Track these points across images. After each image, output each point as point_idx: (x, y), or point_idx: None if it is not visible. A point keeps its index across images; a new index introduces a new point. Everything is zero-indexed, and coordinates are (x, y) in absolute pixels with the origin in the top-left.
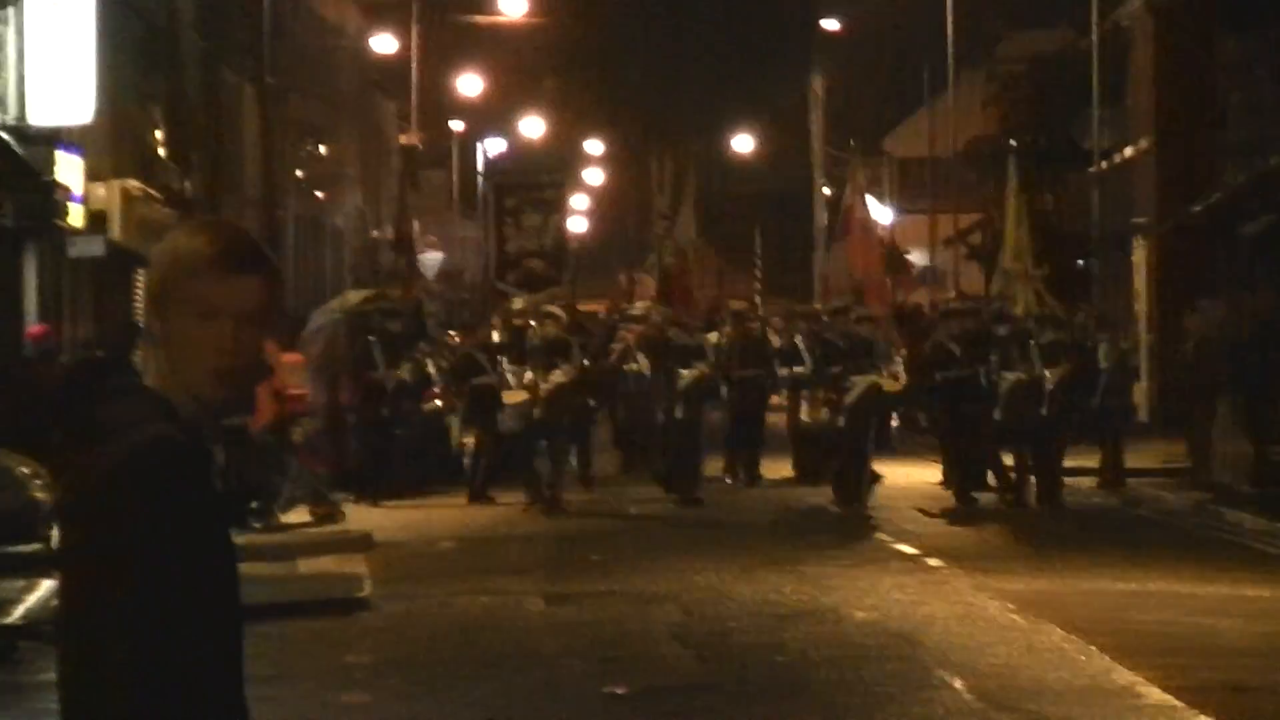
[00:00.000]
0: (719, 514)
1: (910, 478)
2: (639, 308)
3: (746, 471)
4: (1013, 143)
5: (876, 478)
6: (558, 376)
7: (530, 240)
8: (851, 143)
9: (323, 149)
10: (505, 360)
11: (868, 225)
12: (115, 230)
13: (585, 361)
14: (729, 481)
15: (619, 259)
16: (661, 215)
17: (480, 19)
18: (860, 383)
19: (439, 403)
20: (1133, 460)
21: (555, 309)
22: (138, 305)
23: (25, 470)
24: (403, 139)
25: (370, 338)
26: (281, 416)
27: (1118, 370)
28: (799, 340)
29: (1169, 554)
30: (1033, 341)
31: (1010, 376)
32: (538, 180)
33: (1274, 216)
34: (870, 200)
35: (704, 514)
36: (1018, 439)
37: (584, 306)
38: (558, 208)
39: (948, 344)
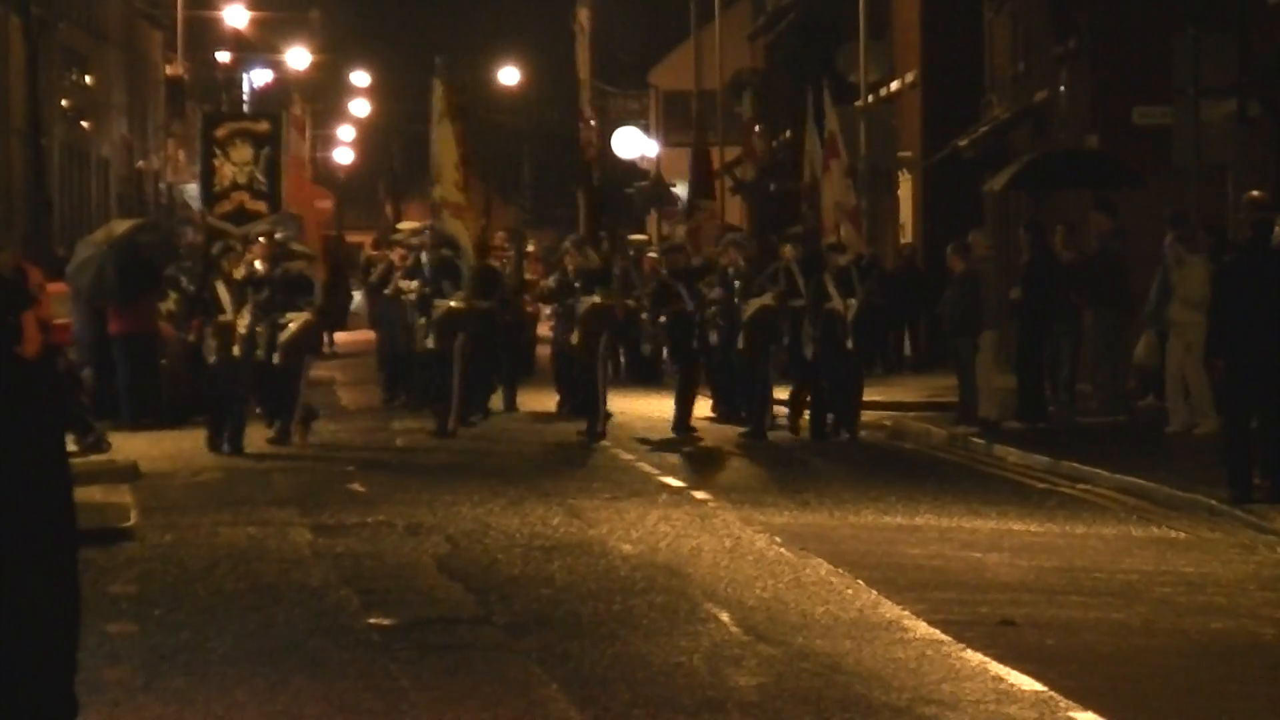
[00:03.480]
0: (484, 446)
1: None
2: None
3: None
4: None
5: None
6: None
7: (241, 173)
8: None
9: (89, 78)
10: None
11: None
12: None
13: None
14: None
15: (387, 190)
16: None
17: None
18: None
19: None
20: (899, 394)
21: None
22: None
23: None
24: (168, 70)
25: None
26: (47, 346)
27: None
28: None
29: (936, 488)
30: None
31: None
32: (251, 111)
33: (1016, 166)
34: (634, 132)
35: (469, 446)
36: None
37: (352, 238)
38: (269, 140)
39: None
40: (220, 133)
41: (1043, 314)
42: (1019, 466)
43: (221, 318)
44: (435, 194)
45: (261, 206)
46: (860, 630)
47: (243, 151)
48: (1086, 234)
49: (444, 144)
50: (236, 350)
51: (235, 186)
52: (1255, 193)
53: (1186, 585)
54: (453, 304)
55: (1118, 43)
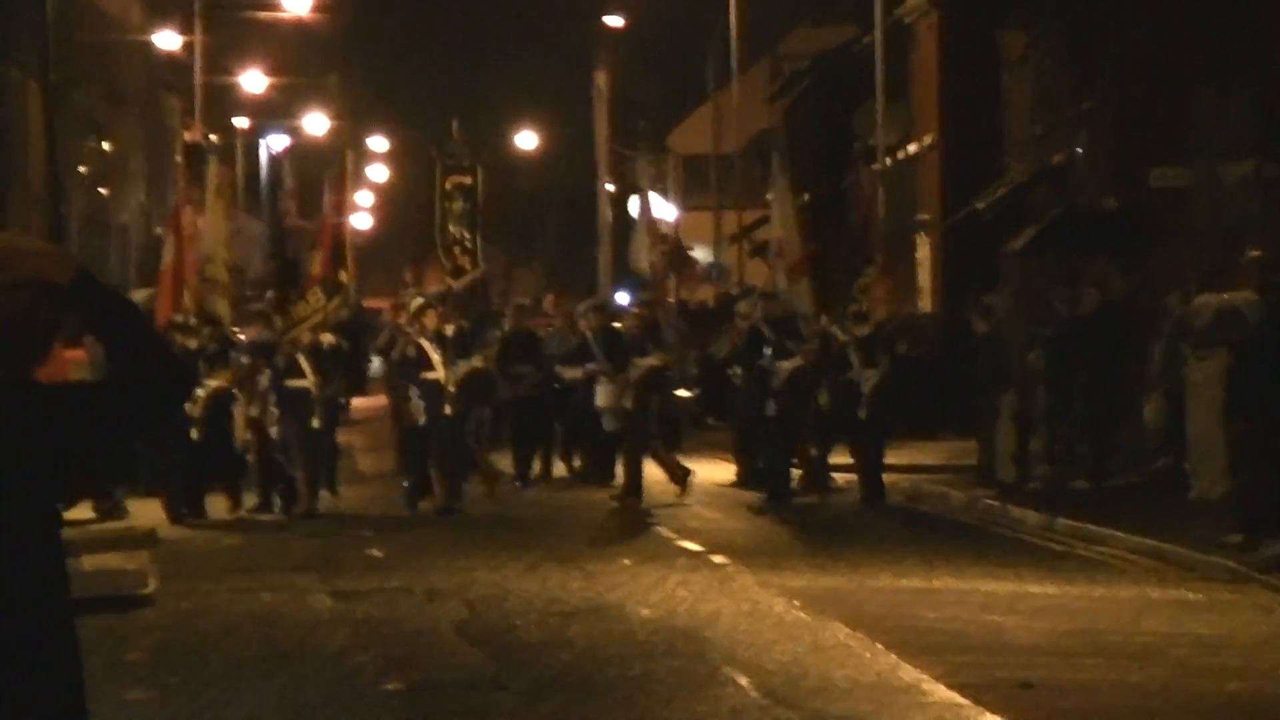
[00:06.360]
0: (502, 510)
1: (699, 475)
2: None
3: (517, 469)
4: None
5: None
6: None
7: (457, 228)
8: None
9: (107, 145)
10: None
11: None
12: None
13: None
14: (517, 484)
15: (404, 255)
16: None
17: (262, 15)
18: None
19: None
20: (917, 456)
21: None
22: None
23: None
24: (186, 135)
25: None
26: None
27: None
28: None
29: (953, 550)
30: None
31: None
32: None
33: (1037, 227)
34: (652, 196)
35: (487, 511)
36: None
37: (370, 303)
38: (471, 194)
39: (763, 330)
40: (447, 185)
41: (1109, 367)
42: (1036, 529)
43: (429, 375)
44: (205, 272)
45: (466, 262)
46: (879, 694)
47: (457, 204)
48: (1106, 293)
49: (215, 223)
50: (448, 409)
51: (455, 241)
52: (1255, 252)
53: (1204, 647)
54: (654, 361)
55: (1135, 104)
